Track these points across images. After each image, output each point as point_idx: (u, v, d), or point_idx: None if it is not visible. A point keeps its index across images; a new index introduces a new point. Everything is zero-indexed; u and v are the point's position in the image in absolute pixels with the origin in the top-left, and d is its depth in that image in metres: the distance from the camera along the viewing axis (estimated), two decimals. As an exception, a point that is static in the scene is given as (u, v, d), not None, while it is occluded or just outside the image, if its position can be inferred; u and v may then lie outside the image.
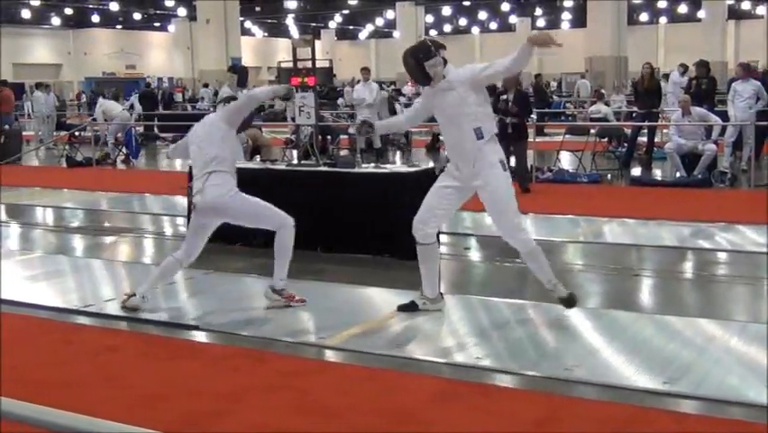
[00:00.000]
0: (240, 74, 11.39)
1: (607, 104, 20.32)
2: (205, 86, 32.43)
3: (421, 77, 5.94)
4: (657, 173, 14.96)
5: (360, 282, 7.13)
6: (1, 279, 7.43)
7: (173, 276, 6.78)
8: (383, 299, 6.71)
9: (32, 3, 40.99)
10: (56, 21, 49.45)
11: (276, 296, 6.49)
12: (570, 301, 5.99)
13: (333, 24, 57.89)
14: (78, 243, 10.03)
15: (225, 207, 6.36)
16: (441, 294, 6.33)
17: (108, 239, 10.06)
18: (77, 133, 21.48)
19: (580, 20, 42.05)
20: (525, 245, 5.99)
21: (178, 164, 18.74)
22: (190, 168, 6.88)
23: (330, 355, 5.44)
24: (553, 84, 40.86)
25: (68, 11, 47.59)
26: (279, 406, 4.49)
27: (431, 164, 10.30)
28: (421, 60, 5.87)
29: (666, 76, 23.43)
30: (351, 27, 60.29)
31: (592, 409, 4.44)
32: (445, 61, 5.93)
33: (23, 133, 22.44)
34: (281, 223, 6.48)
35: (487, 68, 5.88)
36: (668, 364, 4.97)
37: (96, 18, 48.49)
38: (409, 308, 6.23)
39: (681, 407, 4.43)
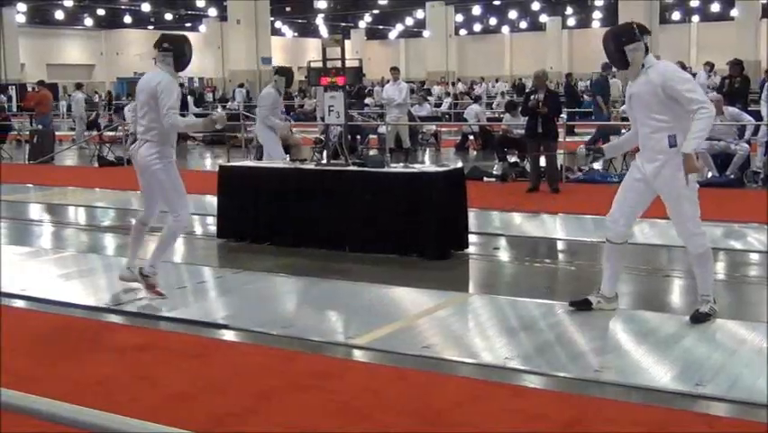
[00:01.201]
0: (287, 75, 11.30)
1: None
2: (240, 86, 32.55)
3: (620, 61, 5.74)
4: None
5: (388, 282, 7.12)
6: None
7: (143, 238, 7.16)
8: (411, 299, 6.70)
9: (65, 4, 41.38)
10: (88, 22, 49.98)
11: (139, 277, 6.71)
12: (699, 318, 5.74)
13: (362, 24, 57.98)
14: (110, 241, 10.11)
15: (149, 171, 6.62)
16: (616, 294, 6.15)
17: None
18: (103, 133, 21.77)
19: (611, 19, 41.78)
20: (695, 249, 5.78)
21: (208, 164, 18.86)
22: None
23: (359, 355, 5.44)
24: (583, 83, 40.58)
25: (101, 12, 48.05)
26: (308, 406, 4.50)
27: (459, 164, 10.28)
28: (622, 44, 5.67)
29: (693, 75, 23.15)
30: (380, 27, 60.35)
31: (622, 410, 4.40)
32: (647, 49, 5.69)
33: (57, 133, 22.68)
34: (181, 215, 6.70)
35: (682, 82, 5.53)
36: (699, 367, 4.92)
37: (128, 19, 48.99)
38: (582, 305, 6.09)
39: (712, 410, 4.38)
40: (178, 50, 6.65)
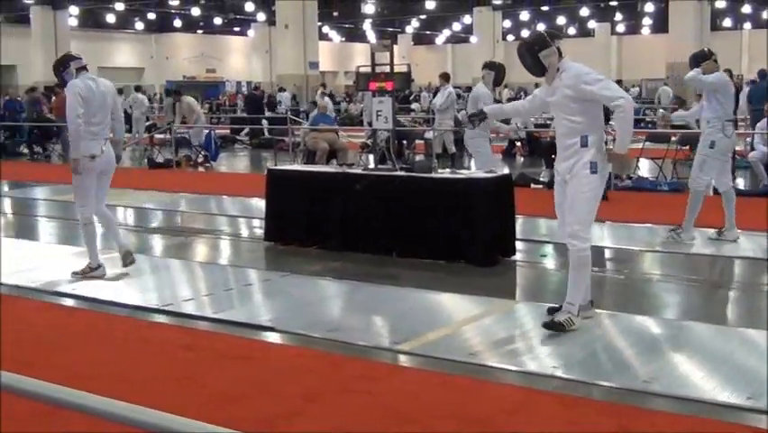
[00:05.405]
0: (496, 70, 10.70)
1: (688, 111, 19.84)
2: (281, 90, 32.64)
3: (536, 68, 5.88)
4: (740, 182, 14.58)
5: (434, 288, 7.10)
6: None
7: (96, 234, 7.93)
8: (458, 306, 6.68)
9: (117, 8, 41.98)
10: (139, 25, 50.57)
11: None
12: (551, 326, 5.74)
13: (410, 29, 57.97)
14: (158, 242, 10.22)
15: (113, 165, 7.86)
16: (591, 302, 6.10)
17: (186, 239, 10.21)
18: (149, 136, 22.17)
19: (661, 25, 41.35)
20: (573, 253, 5.87)
21: (257, 167, 18.98)
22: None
23: (404, 360, 5.43)
24: (633, 90, 40.18)
25: (151, 16, 48.61)
26: (353, 409, 4.50)
27: (506, 170, 10.22)
28: (536, 52, 5.83)
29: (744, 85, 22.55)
30: (428, 32, 60.27)
31: (672, 422, 4.33)
32: (560, 53, 5.84)
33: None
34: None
35: (597, 82, 5.66)
36: (751, 379, 4.82)
37: (177, 23, 49.48)
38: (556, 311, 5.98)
39: (764, 424, 4.29)
40: None
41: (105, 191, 7.89)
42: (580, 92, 5.69)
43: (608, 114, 6.12)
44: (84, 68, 7.64)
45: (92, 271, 7.73)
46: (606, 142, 5.97)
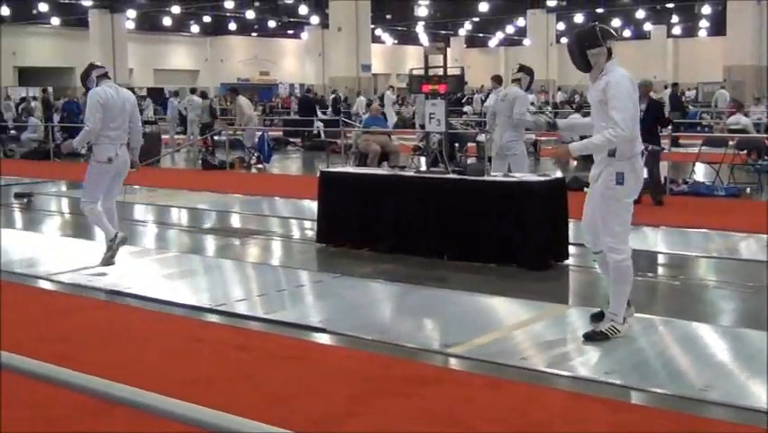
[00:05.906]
0: (531, 75, 10.83)
1: (746, 114, 19.55)
2: (333, 92, 32.77)
3: (582, 64, 5.69)
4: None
5: (486, 291, 7.07)
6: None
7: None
8: (509, 310, 6.64)
9: (173, 11, 42.55)
10: (195, 28, 51.19)
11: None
12: (591, 336, 5.64)
13: (462, 32, 57.83)
14: (211, 243, 10.32)
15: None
16: (628, 302, 5.83)
17: (239, 240, 10.30)
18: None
19: (718, 27, 40.71)
20: (611, 261, 5.66)
21: (308, 169, 19.06)
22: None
23: (455, 364, 5.41)
24: (690, 93, 39.57)
25: (207, 19, 49.18)
26: (402, 411, 4.49)
27: (559, 173, 10.13)
28: (585, 48, 5.63)
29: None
30: (480, 35, 60.06)
31: (727, 430, 4.26)
32: (610, 54, 5.64)
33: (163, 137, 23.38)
34: None
35: (616, 99, 5.46)
36: (810, 389, 4.72)
37: (232, 26, 49.96)
38: (598, 317, 5.88)
39: (823, 434, 4.20)
40: None
41: (117, 190, 8.47)
42: (604, 99, 5.53)
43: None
44: (105, 75, 8.21)
45: (114, 243, 8.10)
46: (642, 154, 5.78)
